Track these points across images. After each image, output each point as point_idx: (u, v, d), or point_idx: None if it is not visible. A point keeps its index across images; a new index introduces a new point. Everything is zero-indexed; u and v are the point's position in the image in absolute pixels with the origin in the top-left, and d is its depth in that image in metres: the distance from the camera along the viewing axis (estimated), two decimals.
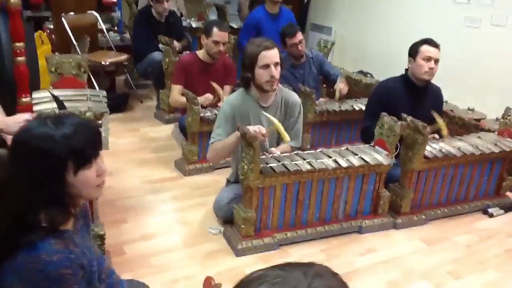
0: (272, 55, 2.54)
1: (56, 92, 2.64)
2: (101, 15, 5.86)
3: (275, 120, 2.47)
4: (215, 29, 3.48)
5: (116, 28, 5.76)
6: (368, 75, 4.73)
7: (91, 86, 3.89)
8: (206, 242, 2.61)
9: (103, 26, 4.71)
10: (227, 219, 2.68)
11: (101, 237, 2.10)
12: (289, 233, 2.61)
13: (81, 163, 1.25)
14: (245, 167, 2.41)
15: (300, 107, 2.78)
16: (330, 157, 2.61)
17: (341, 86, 3.65)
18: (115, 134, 3.93)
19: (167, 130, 3.96)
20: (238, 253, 2.50)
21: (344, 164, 2.57)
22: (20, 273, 1.18)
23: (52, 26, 4.74)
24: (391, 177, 2.85)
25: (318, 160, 2.56)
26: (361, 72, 4.91)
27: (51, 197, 1.24)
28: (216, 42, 3.50)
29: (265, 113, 2.56)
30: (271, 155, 2.56)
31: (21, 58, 2.63)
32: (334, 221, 2.72)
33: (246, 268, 2.42)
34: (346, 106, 3.65)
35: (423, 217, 2.92)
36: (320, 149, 2.74)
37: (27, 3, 5.79)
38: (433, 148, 2.85)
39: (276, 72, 2.55)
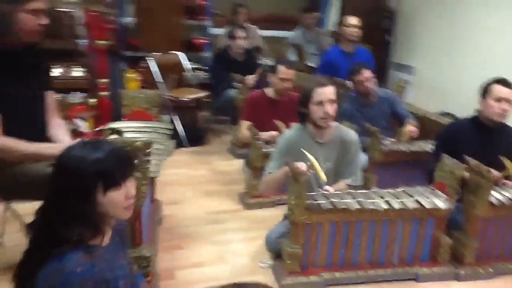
0: (326, 92, 2.57)
1: (127, 124, 2.89)
2: (192, 55, 6.31)
3: (312, 158, 2.47)
4: (280, 67, 3.60)
5: (204, 67, 6.13)
6: (449, 116, 4.52)
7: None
8: (254, 275, 2.63)
9: (185, 65, 5.02)
10: (277, 254, 2.69)
11: (147, 259, 2.22)
12: (337, 274, 2.55)
13: (110, 185, 1.36)
14: (292, 202, 2.42)
15: (357, 145, 2.75)
16: (383, 198, 2.54)
17: (410, 129, 3.55)
18: (189, 166, 4.14)
19: (237, 164, 4.08)
20: None
21: (396, 206, 2.48)
22: (47, 281, 1.30)
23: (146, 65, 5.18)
24: (454, 223, 2.69)
25: (369, 200, 2.50)
26: (445, 113, 4.71)
27: (80, 213, 1.37)
28: (282, 79, 3.61)
29: (303, 151, 2.56)
30: (323, 192, 2.55)
31: (105, 93, 2.92)
32: (388, 266, 2.61)
33: None
34: (415, 146, 3.52)
35: (491, 270, 2.70)
36: (373, 189, 2.67)
37: (128, 44, 6.42)
38: (502, 194, 2.65)
39: (331, 109, 2.57)
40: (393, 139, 3.73)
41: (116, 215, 1.44)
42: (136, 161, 2.14)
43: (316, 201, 2.45)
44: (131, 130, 2.78)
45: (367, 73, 3.74)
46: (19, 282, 1.39)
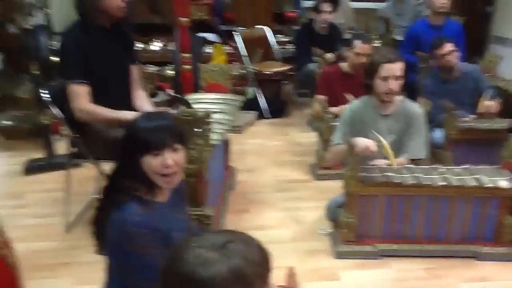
0: (393, 68, 2.58)
1: (203, 96, 3.14)
2: (282, 28, 6.42)
3: (383, 141, 2.51)
4: (357, 42, 3.60)
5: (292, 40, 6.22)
6: None
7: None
8: (312, 241, 2.78)
9: (271, 39, 5.16)
10: (336, 223, 2.81)
11: (209, 217, 2.47)
12: (392, 245, 2.61)
13: (145, 151, 1.55)
14: (347, 173, 2.51)
15: (421, 119, 2.72)
16: (443, 175, 2.53)
17: (487, 102, 3.39)
18: (267, 136, 4.34)
19: (314, 137, 4.18)
20: (337, 255, 2.62)
21: (454, 183, 2.46)
22: (112, 226, 1.56)
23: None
24: None
25: (426, 176, 2.50)
26: None
27: (133, 171, 1.60)
28: (358, 54, 3.61)
29: (374, 133, 2.59)
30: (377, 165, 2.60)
31: (187, 66, 3.19)
32: (446, 242, 2.61)
33: (341, 270, 2.52)
34: (494, 124, 3.37)
35: None
36: (434, 166, 2.66)
37: (223, 18, 6.70)
38: None
39: (396, 85, 2.58)
40: (474, 116, 3.59)
41: (154, 180, 1.59)
42: (197, 130, 2.37)
43: (371, 173, 2.52)
44: (205, 101, 3.03)
45: (449, 47, 3.61)
46: (95, 226, 1.67)
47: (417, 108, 2.75)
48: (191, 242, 0.98)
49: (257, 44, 5.05)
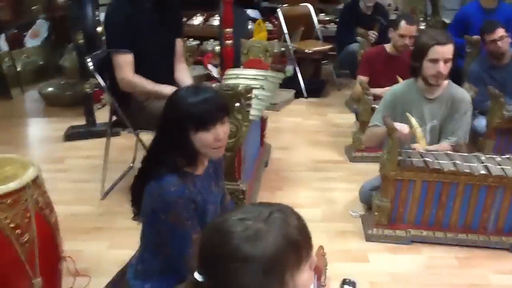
0: (443, 50, 2.50)
1: (243, 71, 3.13)
2: (328, 6, 6.31)
3: (414, 122, 2.46)
4: (402, 22, 3.51)
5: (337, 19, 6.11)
6: None
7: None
8: (343, 222, 2.77)
9: (314, 18, 5.08)
10: (369, 206, 2.78)
11: (243, 192, 2.49)
12: (425, 232, 2.56)
13: (200, 127, 1.54)
14: (384, 156, 2.47)
15: (468, 104, 2.65)
16: (483, 163, 2.45)
17: None
18: (304, 115, 4.32)
19: (351, 118, 4.14)
20: (368, 238, 2.60)
21: (495, 172, 2.39)
22: (149, 195, 1.60)
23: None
24: None
25: (466, 163, 2.44)
26: None
27: (177, 144, 1.62)
28: (402, 36, 3.52)
29: (407, 114, 2.54)
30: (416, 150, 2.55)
31: (228, 42, 3.17)
32: (481, 232, 2.54)
33: (370, 253, 2.51)
34: None
35: None
36: (475, 153, 2.58)
37: None
38: None
39: (445, 68, 2.51)
40: None
41: (206, 153, 1.61)
42: (237, 104, 2.38)
43: (409, 157, 2.47)
44: (244, 77, 3.02)
45: (501, 32, 3.47)
46: (133, 194, 1.71)
47: (464, 93, 2.67)
48: (233, 216, 0.96)
49: (299, 22, 4.98)
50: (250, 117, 2.50)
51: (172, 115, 1.60)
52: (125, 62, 2.62)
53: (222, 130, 1.57)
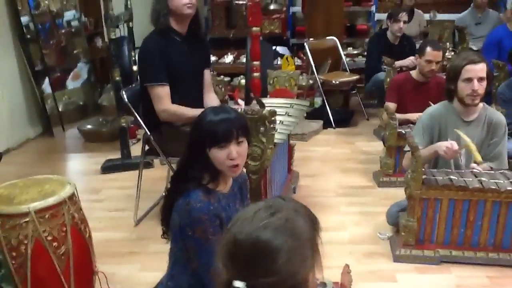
0: (476, 69, 2.53)
1: (269, 100, 3.25)
2: (355, 40, 6.45)
3: (467, 139, 2.48)
4: (428, 48, 3.56)
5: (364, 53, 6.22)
6: None
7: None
8: (371, 244, 2.77)
9: (341, 50, 5.20)
10: (397, 228, 2.78)
11: None
12: (454, 252, 2.54)
13: (213, 143, 1.63)
14: (409, 175, 2.49)
15: (504, 127, 2.66)
16: (509, 179, 2.44)
17: None
18: (332, 144, 4.38)
19: (380, 146, 4.15)
20: (396, 258, 2.59)
21: None
22: (176, 212, 1.69)
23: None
24: None
25: (492, 180, 2.43)
26: None
27: (199, 160, 1.72)
28: (429, 61, 3.56)
29: (457, 131, 2.57)
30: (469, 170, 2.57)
31: (256, 74, 3.32)
32: None
33: (398, 273, 2.50)
34: None
35: None
36: (501, 171, 2.57)
37: (294, 32, 6.86)
38: None
39: (479, 87, 2.53)
40: None
41: (222, 170, 1.68)
42: (262, 128, 2.48)
43: (433, 176, 2.48)
44: (271, 105, 3.13)
45: None
46: (163, 212, 1.79)
47: (500, 116, 2.68)
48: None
49: (326, 55, 5.11)
50: (275, 141, 2.59)
51: (195, 131, 1.71)
52: (163, 94, 2.77)
53: (235, 149, 1.63)
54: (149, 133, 2.89)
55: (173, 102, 2.80)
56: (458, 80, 2.57)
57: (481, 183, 2.42)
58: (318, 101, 5.03)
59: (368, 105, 5.19)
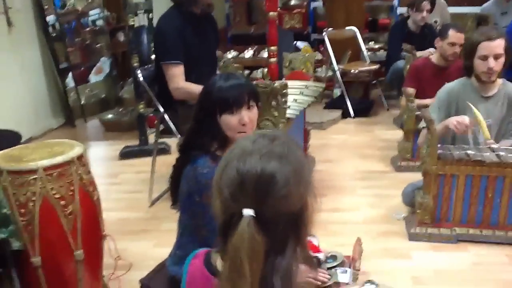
0: (492, 46, 2.47)
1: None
2: (377, 35, 6.38)
3: (477, 113, 2.42)
4: (451, 31, 3.48)
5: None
6: None
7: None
8: (386, 224, 2.72)
9: (361, 40, 5.13)
10: (411, 206, 2.72)
11: None
12: (471, 230, 2.47)
13: (225, 109, 1.63)
14: (424, 151, 2.44)
15: None
16: None
17: None
18: (351, 133, 4.33)
19: (400, 134, 4.07)
20: (411, 237, 2.53)
21: None
22: (184, 179, 1.68)
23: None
24: None
25: (510, 155, 2.35)
26: None
27: (208, 127, 1.70)
28: (452, 44, 3.49)
29: (469, 104, 2.51)
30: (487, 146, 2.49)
31: (273, 59, 3.31)
32: None
33: (413, 251, 2.44)
34: None
35: None
36: None
37: (316, 27, 6.83)
38: None
39: (496, 64, 2.47)
40: None
41: (233, 137, 1.66)
42: (273, 102, 2.46)
43: (449, 151, 2.42)
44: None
45: None
46: (171, 182, 1.78)
47: None
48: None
49: (346, 46, 5.07)
50: (287, 115, 2.57)
51: (204, 99, 1.70)
52: (178, 72, 2.79)
53: (247, 115, 1.63)
54: (163, 111, 2.91)
55: (190, 81, 2.82)
56: (474, 57, 2.51)
57: (499, 157, 2.34)
58: (337, 92, 4.98)
59: (389, 97, 5.10)
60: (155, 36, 2.99)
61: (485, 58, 2.46)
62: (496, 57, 2.46)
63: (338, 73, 4.83)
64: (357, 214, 2.83)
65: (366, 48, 5.30)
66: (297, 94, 2.94)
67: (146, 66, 3.15)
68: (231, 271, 0.90)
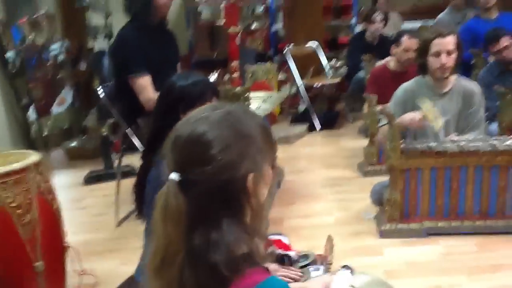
0: (445, 42, 2.54)
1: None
2: (337, 53, 6.52)
3: (424, 106, 2.47)
4: (404, 37, 3.60)
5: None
6: None
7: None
8: (357, 224, 2.72)
9: (322, 55, 5.23)
10: (380, 205, 2.72)
11: None
12: (440, 223, 2.48)
13: (188, 106, 1.57)
14: (388, 147, 2.46)
15: (479, 97, 2.65)
16: (487, 142, 2.41)
17: None
18: (317, 145, 4.38)
19: (365, 142, 4.13)
20: (382, 234, 2.53)
21: (502, 147, 2.34)
22: (149, 183, 1.64)
23: None
24: None
25: (471, 144, 2.40)
26: None
27: (169, 129, 1.68)
28: (406, 50, 3.59)
29: (419, 101, 2.55)
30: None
31: (235, 75, 3.35)
32: (499, 217, 2.45)
33: (385, 247, 2.44)
34: None
35: None
36: (481, 136, 2.54)
37: (276, 49, 6.94)
38: None
39: (449, 60, 2.53)
40: None
41: None
42: None
43: (412, 145, 2.46)
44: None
45: (505, 41, 3.50)
46: (135, 191, 1.72)
47: (474, 86, 2.68)
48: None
49: (308, 62, 5.15)
50: None
51: (164, 101, 1.68)
52: (146, 83, 2.73)
53: None
54: (127, 125, 2.87)
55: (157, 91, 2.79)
56: (428, 55, 2.57)
57: (460, 147, 2.38)
58: (302, 108, 5.03)
59: (353, 109, 5.17)
60: (114, 51, 2.95)
61: (438, 54, 2.53)
62: (449, 53, 2.52)
63: (302, 88, 4.87)
64: (328, 218, 2.83)
65: (328, 65, 5.41)
66: (260, 102, 2.95)
67: (106, 84, 3.10)
68: (152, 236, 0.89)
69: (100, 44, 4.22)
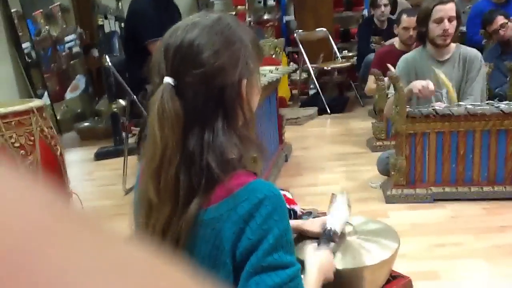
0: (446, 8, 2.54)
1: None
2: (350, 44, 6.50)
3: (444, 78, 2.45)
4: (403, 16, 3.59)
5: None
6: None
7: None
8: (363, 192, 2.71)
9: (332, 41, 5.22)
10: (387, 174, 2.70)
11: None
12: (447, 188, 2.45)
13: None
14: (393, 111, 2.44)
15: (480, 62, 2.62)
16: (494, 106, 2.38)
17: None
18: (327, 126, 4.34)
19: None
20: (388, 199, 2.51)
21: (509, 109, 2.30)
22: None
23: None
24: None
25: (477, 107, 2.37)
26: None
27: None
28: (406, 28, 3.58)
29: (435, 70, 2.55)
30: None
31: None
32: (508, 183, 2.41)
33: (390, 211, 2.42)
34: None
35: None
36: (488, 101, 2.51)
37: (289, 40, 6.94)
38: None
39: (450, 26, 2.53)
40: None
41: None
42: None
43: (417, 108, 2.43)
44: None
45: (500, 20, 3.49)
46: (139, 134, 1.76)
47: (474, 51, 2.66)
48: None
49: (318, 48, 5.14)
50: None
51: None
52: None
53: None
54: (134, 95, 2.89)
55: None
56: (429, 22, 2.56)
57: (466, 110, 2.36)
58: (311, 93, 5.02)
59: (364, 95, 5.15)
60: (130, 18, 2.97)
61: (440, 20, 2.52)
62: (450, 19, 2.52)
63: (312, 72, 4.86)
64: (335, 187, 2.79)
65: (341, 57, 5.39)
66: (267, 72, 2.95)
67: (115, 54, 3.13)
68: (147, 142, 0.89)
69: (111, 26, 4.26)
